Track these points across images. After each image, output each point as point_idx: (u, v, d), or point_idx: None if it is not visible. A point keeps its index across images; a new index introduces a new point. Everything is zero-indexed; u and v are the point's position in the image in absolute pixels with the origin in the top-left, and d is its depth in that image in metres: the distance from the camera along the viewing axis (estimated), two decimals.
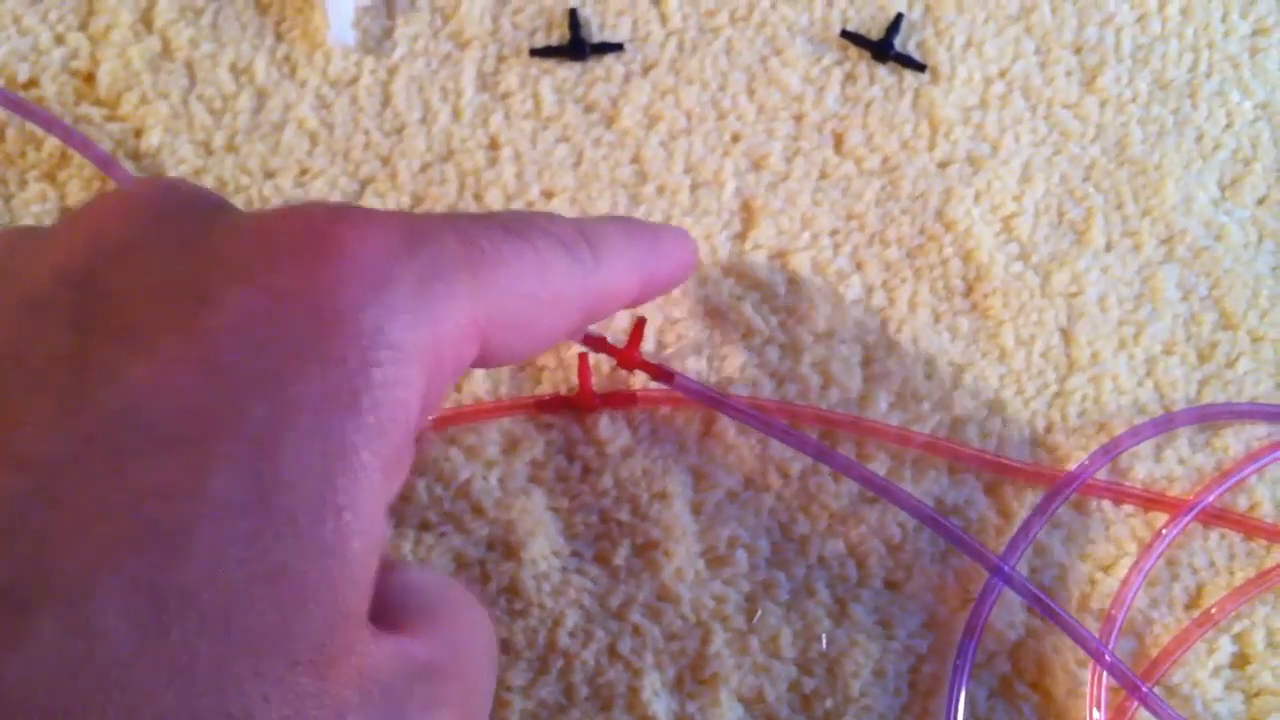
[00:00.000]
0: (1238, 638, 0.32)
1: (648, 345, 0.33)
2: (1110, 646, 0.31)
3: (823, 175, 0.36)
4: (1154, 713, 0.30)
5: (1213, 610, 0.32)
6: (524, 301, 0.20)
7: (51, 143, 0.34)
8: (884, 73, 0.37)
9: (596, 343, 0.30)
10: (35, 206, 0.34)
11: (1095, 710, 0.30)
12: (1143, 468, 0.33)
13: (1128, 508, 0.33)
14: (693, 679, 0.31)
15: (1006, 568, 0.31)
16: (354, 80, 0.35)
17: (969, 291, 0.35)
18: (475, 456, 0.32)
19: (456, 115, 0.35)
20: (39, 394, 0.16)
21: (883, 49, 0.36)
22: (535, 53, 0.36)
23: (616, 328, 0.33)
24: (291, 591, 0.15)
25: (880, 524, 0.32)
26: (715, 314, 0.34)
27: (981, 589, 0.31)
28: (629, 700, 0.30)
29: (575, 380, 0.32)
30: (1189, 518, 0.32)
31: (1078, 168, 0.36)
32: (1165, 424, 0.33)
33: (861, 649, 0.31)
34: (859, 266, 0.35)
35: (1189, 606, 0.32)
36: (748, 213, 0.35)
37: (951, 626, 0.31)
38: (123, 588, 0.14)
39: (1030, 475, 0.33)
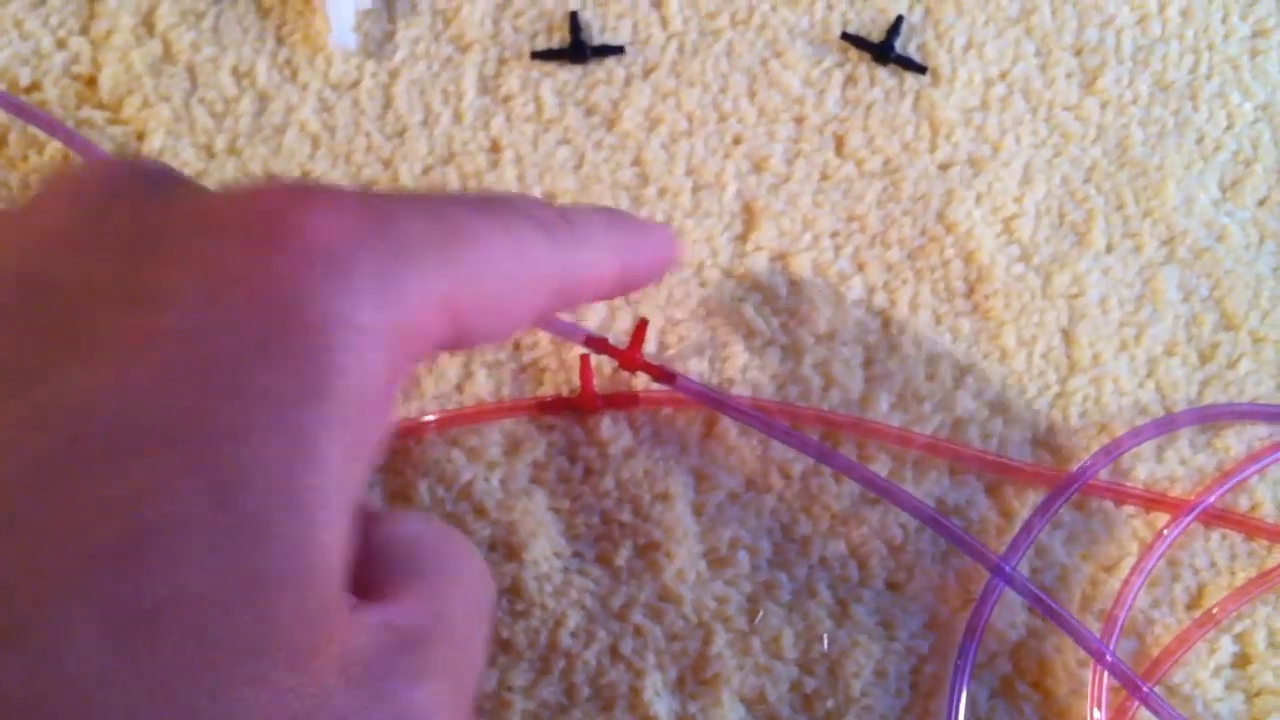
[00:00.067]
0: (1239, 638, 0.32)
1: (649, 347, 0.33)
2: (1111, 646, 0.31)
3: (824, 177, 0.36)
4: (1155, 712, 0.30)
5: (1214, 610, 0.32)
6: (497, 280, 0.19)
7: (54, 146, 0.34)
8: (885, 75, 0.37)
9: (598, 344, 0.30)
10: None
11: (1096, 710, 0.30)
12: (1144, 468, 0.33)
13: (1129, 508, 0.33)
14: (694, 679, 0.31)
15: (1008, 568, 0.31)
16: (355, 83, 0.36)
17: (970, 293, 0.35)
18: (477, 458, 0.32)
19: (458, 118, 0.35)
20: None
21: (883, 51, 0.36)
22: (536, 55, 0.36)
23: (618, 329, 0.33)
24: (262, 592, 0.15)
25: (882, 525, 0.32)
26: (717, 315, 0.34)
27: (983, 589, 0.31)
28: (631, 701, 0.30)
29: (577, 381, 0.32)
30: (1190, 518, 0.32)
31: (1078, 169, 0.36)
32: (1166, 425, 0.33)
33: (863, 649, 0.31)
34: (860, 268, 0.35)
35: (1190, 607, 0.32)
36: (749, 215, 0.35)
37: (953, 627, 0.31)
38: (85, 614, 0.14)
39: (1031, 476, 0.33)
